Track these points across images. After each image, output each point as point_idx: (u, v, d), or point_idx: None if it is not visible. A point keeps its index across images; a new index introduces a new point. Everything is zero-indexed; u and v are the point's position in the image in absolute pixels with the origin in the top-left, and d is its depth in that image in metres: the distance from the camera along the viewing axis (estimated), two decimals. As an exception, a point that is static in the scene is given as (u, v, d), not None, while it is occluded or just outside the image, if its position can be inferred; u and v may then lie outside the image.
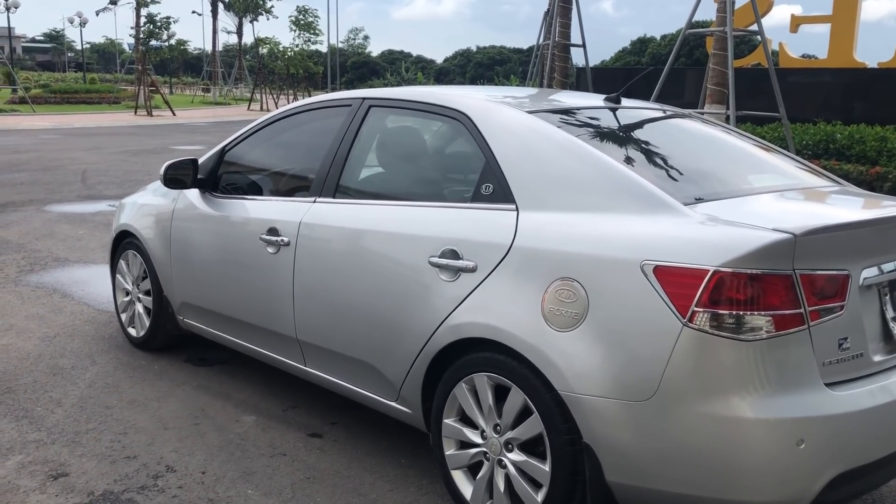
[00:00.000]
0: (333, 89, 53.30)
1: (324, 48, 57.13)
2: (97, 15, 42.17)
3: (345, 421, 3.65)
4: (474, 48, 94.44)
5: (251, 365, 4.24)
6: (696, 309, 2.22)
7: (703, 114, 9.47)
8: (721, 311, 2.21)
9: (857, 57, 14.18)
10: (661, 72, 11.20)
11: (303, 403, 3.83)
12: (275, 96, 41.95)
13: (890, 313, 2.50)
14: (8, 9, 38.25)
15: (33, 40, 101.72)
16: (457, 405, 2.81)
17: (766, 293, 2.21)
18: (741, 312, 2.20)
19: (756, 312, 2.21)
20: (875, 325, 2.45)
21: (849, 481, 2.30)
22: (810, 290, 2.26)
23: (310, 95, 47.60)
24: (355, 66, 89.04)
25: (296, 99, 45.48)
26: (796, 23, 15.73)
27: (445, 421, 2.85)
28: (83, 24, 50.23)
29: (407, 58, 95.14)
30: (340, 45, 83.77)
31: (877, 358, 2.44)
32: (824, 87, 13.43)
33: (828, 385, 2.29)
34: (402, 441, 3.43)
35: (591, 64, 15.61)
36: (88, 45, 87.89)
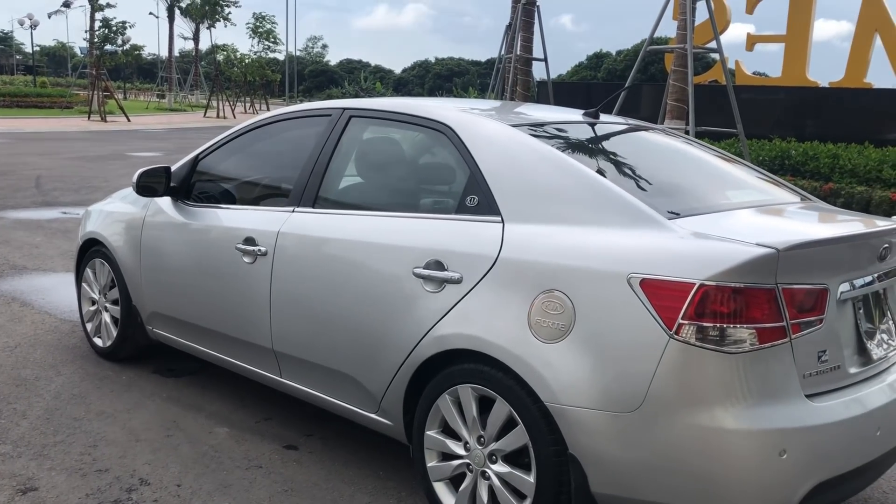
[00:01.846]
0: (291, 97, 53.00)
1: (282, 56, 56.79)
2: (49, 17, 41.30)
3: (320, 433, 3.62)
4: (433, 59, 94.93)
5: (221, 376, 4.18)
6: (682, 321, 2.26)
7: (684, 130, 9.66)
8: (706, 324, 2.25)
9: (810, 76, 14.60)
10: (638, 88, 11.40)
11: (276, 415, 3.79)
12: (231, 103, 41.53)
13: (864, 326, 2.58)
14: (-45, 9, 37.19)
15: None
16: (440, 417, 2.81)
17: (750, 306, 2.26)
18: (726, 325, 2.25)
19: (740, 325, 2.26)
20: (850, 338, 2.52)
21: (827, 490, 2.36)
22: (792, 303, 2.32)
23: (266, 103, 47.40)
24: (313, 75, 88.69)
25: (252, 106, 45.21)
26: (752, 41, 16.15)
27: (428, 433, 2.85)
28: (34, 26, 49.15)
29: (365, 67, 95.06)
30: (299, 53, 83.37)
31: (852, 370, 2.51)
32: (778, 104, 13.80)
33: (808, 396, 2.35)
34: (379, 452, 3.42)
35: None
36: (38, 48, 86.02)
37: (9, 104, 33.30)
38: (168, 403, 3.90)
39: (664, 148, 3.42)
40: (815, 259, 2.40)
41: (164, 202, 4.03)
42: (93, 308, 4.56)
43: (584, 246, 2.49)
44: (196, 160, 4.02)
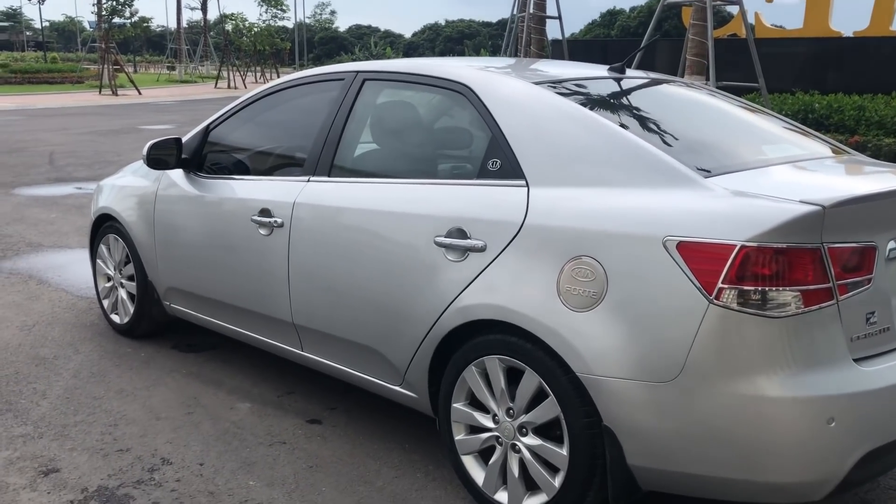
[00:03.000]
0: (301, 65, 52.61)
1: (291, 24, 56.29)
2: (56, -9, 40.99)
3: (344, 406, 3.54)
4: (443, 22, 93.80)
5: (241, 350, 4.11)
6: (722, 286, 2.14)
7: (707, 83, 9.42)
8: (748, 288, 2.13)
9: (833, 26, 14.20)
10: (654, 44, 11.13)
11: (298, 389, 3.72)
12: (242, 73, 41.27)
13: (913, 285, 2.44)
14: (-37, -14, 37.06)
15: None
16: (466, 389, 2.72)
17: (795, 268, 2.14)
18: (769, 288, 2.13)
19: (784, 288, 2.13)
20: None
21: (877, 459, 2.24)
22: (838, 263, 2.19)
23: (277, 72, 47.10)
24: (322, 42, 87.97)
25: (263, 76, 44.93)
26: (772, -8, 15.70)
27: (454, 405, 2.76)
28: (42, 1, 48.94)
29: (375, 32, 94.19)
30: (307, 20, 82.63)
31: (902, 331, 2.38)
32: (800, 56, 13.46)
33: (856, 361, 2.23)
34: (404, 424, 3.34)
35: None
36: (48, 24, 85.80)
37: (20, 81, 33.25)
38: (188, 379, 3.84)
39: (693, 102, 3.26)
40: (862, 215, 2.26)
41: (177, 174, 3.93)
42: (108, 285, 4.49)
43: (615, 209, 2.37)
44: (207, 130, 3.90)
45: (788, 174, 2.60)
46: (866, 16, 14.09)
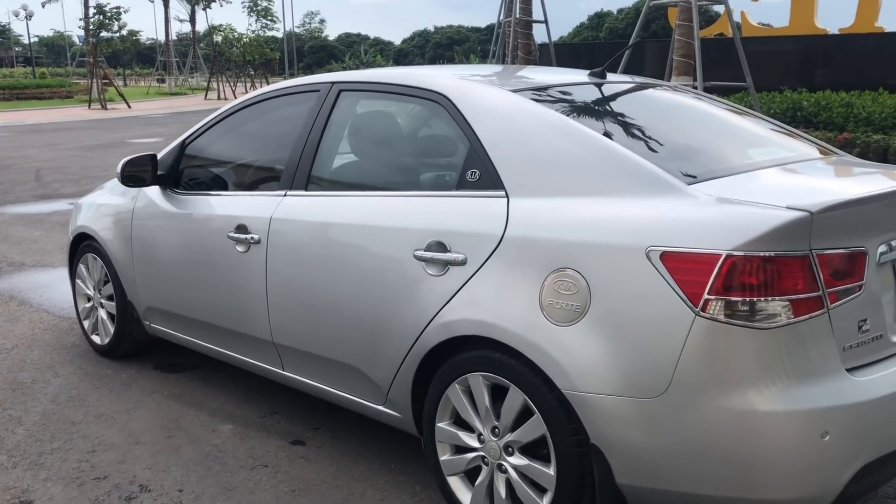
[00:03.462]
0: (291, 75, 52.57)
1: (280, 34, 56.23)
2: (43, 7, 40.97)
3: (328, 426, 3.45)
4: (432, 28, 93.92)
5: (224, 369, 4.02)
6: (708, 297, 2.06)
7: (692, 86, 9.36)
8: (735, 298, 2.05)
9: (819, 23, 14.19)
10: (641, 46, 11.09)
11: (282, 409, 3.63)
12: (232, 84, 41.17)
13: (905, 290, 2.37)
14: (-51, 4, 36.90)
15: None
16: (450, 407, 2.63)
17: (783, 276, 2.06)
18: (757, 298, 2.05)
19: (773, 298, 2.06)
20: (892, 303, 2.31)
21: (874, 472, 2.16)
22: (828, 270, 2.11)
23: (267, 82, 46.97)
24: (312, 51, 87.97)
25: (253, 86, 44.80)
26: (758, -9, 15.70)
27: (438, 424, 2.67)
28: (29, 17, 48.78)
29: (364, 40, 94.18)
30: (297, 29, 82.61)
31: (895, 338, 2.31)
32: (786, 54, 13.44)
33: (849, 371, 2.15)
34: (390, 444, 3.25)
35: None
36: (36, 39, 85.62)
37: (9, 97, 33.09)
38: (169, 401, 3.74)
39: (677, 106, 3.19)
40: (852, 220, 2.19)
41: (153, 191, 3.84)
42: (88, 305, 4.40)
43: (596, 219, 2.29)
44: (183, 146, 3.82)
45: (775, 178, 2.53)
46: (851, 13, 14.09)
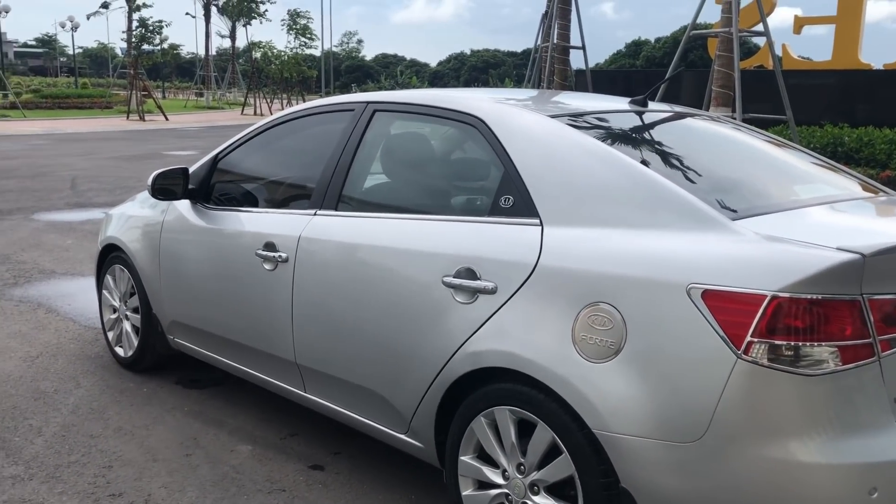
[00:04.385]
0: (327, 93, 53.12)
1: (318, 52, 56.91)
2: (88, 19, 41.88)
3: (348, 451, 3.37)
4: (468, 51, 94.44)
5: (245, 387, 3.96)
6: (751, 339, 1.96)
7: (733, 116, 9.24)
8: (780, 342, 1.95)
9: (862, 58, 13.98)
10: (679, 75, 10.99)
11: (302, 431, 3.56)
12: (268, 100, 41.66)
13: (960, 339, 2.24)
14: (-1, 13, 37.85)
15: (25, 45, 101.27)
16: (475, 441, 2.54)
17: (831, 321, 1.95)
18: (803, 343, 1.94)
19: (820, 343, 1.95)
20: None
21: (923, 532, 2.03)
22: (879, 316, 2.00)
23: (303, 99, 47.49)
24: (349, 70, 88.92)
25: (290, 103, 45.30)
26: (800, 24, 15.53)
27: (462, 458, 2.58)
28: (75, 28, 49.87)
29: (401, 61, 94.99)
30: (334, 49, 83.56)
31: (949, 390, 2.18)
32: (829, 88, 13.23)
33: (900, 424, 2.03)
34: (411, 473, 3.16)
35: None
36: (80, 50, 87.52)
37: (51, 105, 33.75)
38: (189, 418, 3.69)
39: (720, 138, 3.10)
40: (906, 264, 2.07)
41: (183, 205, 3.82)
42: (114, 316, 4.38)
43: (635, 252, 2.20)
44: (215, 160, 3.80)
45: (823, 217, 2.42)
46: (893, 49, 13.86)
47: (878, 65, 14.02)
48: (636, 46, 69.62)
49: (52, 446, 3.36)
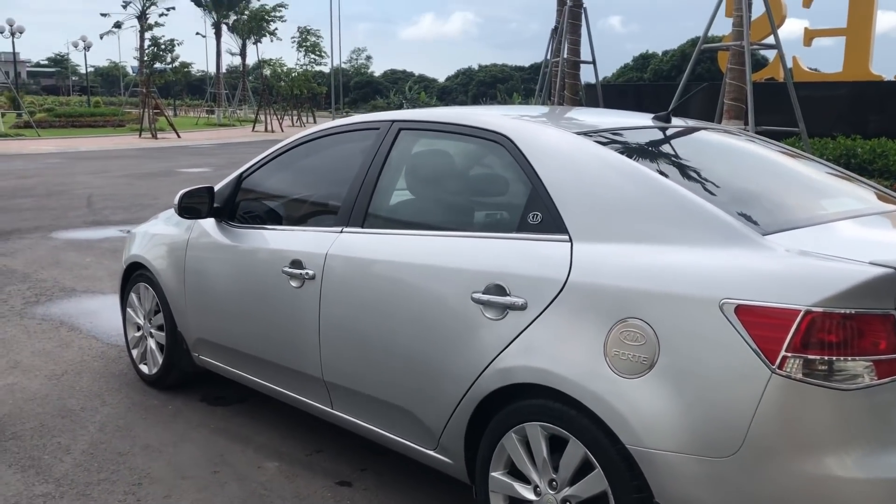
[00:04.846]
0: (337, 109, 53.40)
1: (327, 69, 57.23)
2: (101, 38, 42.27)
3: (374, 467, 3.39)
4: (476, 66, 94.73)
5: (270, 403, 3.98)
6: (786, 354, 1.97)
7: (745, 128, 9.25)
8: (815, 357, 1.96)
9: (874, 69, 13.97)
10: (688, 88, 11.02)
11: (328, 447, 3.57)
12: (279, 117, 41.92)
13: None
14: (13, 34, 38.28)
15: (38, 65, 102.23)
16: (505, 456, 2.56)
17: (865, 335, 1.97)
18: (837, 358, 1.96)
19: (854, 357, 1.96)
20: None
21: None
22: None
23: (313, 115, 47.77)
24: (358, 86, 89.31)
25: (299, 119, 45.59)
26: (810, 36, 15.54)
27: (492, 474, 2.59)
28: (87, 48, 50.41)
29: (409, 77, 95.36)
30: (344, 65, 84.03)
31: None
32: (840, 100, 13.21)
33: (936, 438, 2.03)
34: (438, 489, 3.17)
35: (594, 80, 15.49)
36: (93, 69, 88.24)
37: (64, 124, 34.01)
38: (215, 435, 3.71)
39: (745, 153, 3.12)
40: (939, 278, 2.08)
41: (208, 223, 3.86)
42: (138, 334, 4.42)
43: (667, 268, 2.22)
44: (240, 179, 3.84)
45: (851, 231, 2.44)
46: (903, 60, 13.83)
47: (889, 76, 14.01)
48: (644, 60, 69.74)
49: (80, 464, 3.39)
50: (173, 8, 45.73)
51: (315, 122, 46.85)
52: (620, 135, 2.88)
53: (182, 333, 4.05)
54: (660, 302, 2.18)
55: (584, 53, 14.77)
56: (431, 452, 2.84)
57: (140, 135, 30.11)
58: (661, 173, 2.50)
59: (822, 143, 11.41)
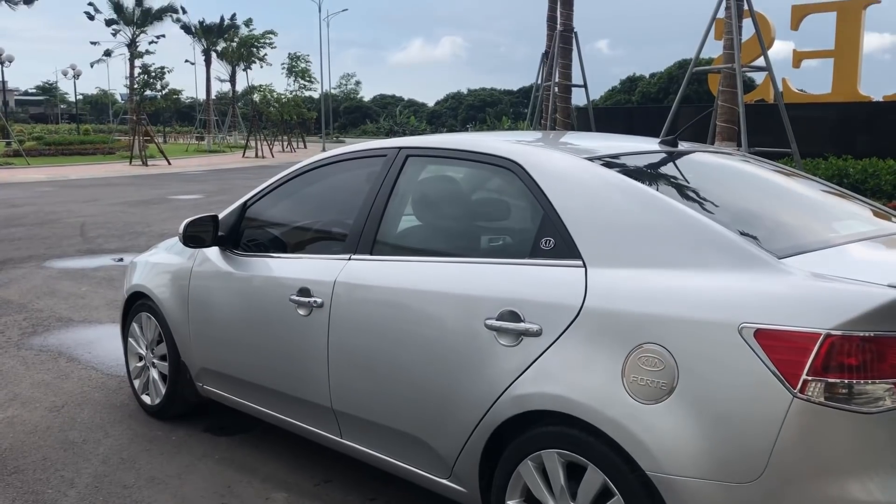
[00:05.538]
0: (327, 134, 53.55)
1: (317, 94, 57.45)
2: (91, 67, 42.26)
3: (384, 497, 3.35)
4: (465, 90, 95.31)
5: (276, 433, 3.94)
6: (807, 378, 1.97)
7: (738, 150, 9.32)
8: (836, 380, 1.96)
9: (862, 90, 14.14)
10: (684, 109, 11.11)
11: (336, 477, 3.54)
12: (269, 143, 41.96)
13: None
14: (2, 63, 38.29)
15: (26, 93, 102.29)
16: (522, 485, 2.53)
17: (886, 358, 1.97)
18: (858, 381, 1.95)
19: (875, 380, 1.96)
20: None
21: None
22: None
23: (303, 141, 47.86)
24: (348, 111, 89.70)
25: (290, 144, 45.66)
26: (799, 58, 15.73)
27: (508, 502, 2.57)
28: (77, 76, 50.42)
29: (399, 102, 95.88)
30: (333, 90, 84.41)
31: None
32: (830, 121, 13.36)
33: (959, 461, 2.02)
34: (449, 518, 3.13)
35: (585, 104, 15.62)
36: (81, 97, 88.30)
37: (54, 152, 33.95)
38: (221, 466, 3.67)
39: (754, 177, 3.13)
40: (956, 300, 2.09)
41: (212, 252, 3.84)
42: (140, 364, 4.38)
43: (684, 292, 2.22)
44: (244, 207, 3.83)
45: (868, 254, 2.45)
46: (890, 81, 14.04)
47: (877, 96, 14.19)
48: (631, 82, 70.35)
49: (85, 498, 3.34)
50: (163, 36, 45.65)
51: (305, 147, 46.94)
52: (629, 159, 2.89)
53: (186, 363, 4.01)
54: (678, 327, 2.17)
55: (575, 77, 14.91)
56: (445, 481, 2.82)
57: (130, 162, 30.08)
58: (673, 197, 2.50)
59: (815, 163, 11.51)
